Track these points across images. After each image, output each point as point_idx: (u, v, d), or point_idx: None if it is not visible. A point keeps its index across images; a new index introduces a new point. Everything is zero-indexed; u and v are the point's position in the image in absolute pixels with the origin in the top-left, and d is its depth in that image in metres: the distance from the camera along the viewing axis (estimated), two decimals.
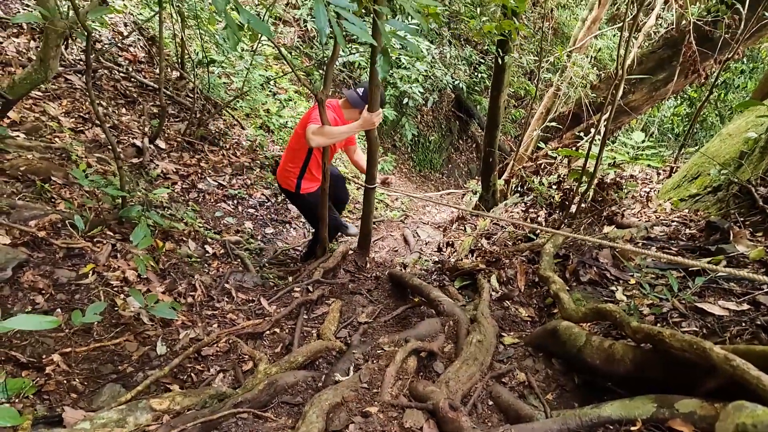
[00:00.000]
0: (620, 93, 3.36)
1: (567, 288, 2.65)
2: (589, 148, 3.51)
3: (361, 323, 2.82)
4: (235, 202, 4.99)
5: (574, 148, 5.96)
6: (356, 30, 1.86)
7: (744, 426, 1.32)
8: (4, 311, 2.21)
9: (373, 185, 3.31)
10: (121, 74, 5.06)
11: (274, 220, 5.24)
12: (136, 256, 2.77)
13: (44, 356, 2.11)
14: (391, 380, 1.96)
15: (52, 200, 3.05)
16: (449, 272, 3.54)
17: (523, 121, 10.89)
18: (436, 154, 11.46)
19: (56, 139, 3.68)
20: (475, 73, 11.16)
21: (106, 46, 5.18)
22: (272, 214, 5.29)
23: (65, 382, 2.06)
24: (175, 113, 5.34)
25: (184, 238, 3.53)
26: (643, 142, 4.63)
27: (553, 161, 5.26)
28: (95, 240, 2.83)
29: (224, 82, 6.16)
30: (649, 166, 5.08)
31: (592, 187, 3.62)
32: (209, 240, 3.76)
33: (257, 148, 5.88)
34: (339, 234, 4.05)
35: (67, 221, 2.79)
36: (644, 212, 3.75)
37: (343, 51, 8.00)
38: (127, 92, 4.96)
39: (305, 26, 8.48)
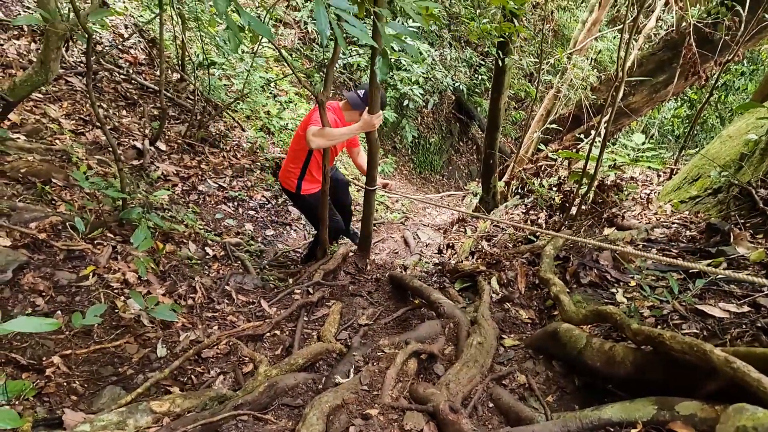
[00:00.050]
0: (620, 95, 3.36)
1: (567, 290, 2.65)
2: (590, 150, 3.51)
3: (361, 325, 2.82)
4: (236, 204, 4.99)
5: (574, 150, 5.96)
6: (357, 32, 1.87)
7: (745, 429, 1.32)
8: (5, 313, 2.21)
9: (374, 187, 3.32)
10: (122, 76, 5.07)
11: (275, 222, 5.24)
12: (136, 258, 2.77)
13: (44, 358, 2.11)
14: (392, 382, 1.96)
15: (53, 202, 3.05)
16: (449, 274, 3.54)
17: (523, 123, 10.90)
18: (436, 156, 11.46)
19: (57, 141, 3.68)
20: (476, 75, 11.17)
21: (107, 48, 5.19)
22: (272, 216, 5.29)
23: (65, 384, 2.06)
24: (175, 115, 5.35)
25: (185, 240, 3.53)
26: (644, 144, 4.63)
27: (553, 163, 5.26)
28: (96, 242, 2.83)
29: (225, 84, 6.16)
30: (649, 167, 5.09)
31: (593, 189, 3.62)
32: (209, 242, 3.76)
33: (258, 150, 5.88)
34: (340, 236, 4.05)
35: (67, 223, 2.80)
36: (644, 214, 3.75)
37: (343, 53, 8.00)
38: (128, 94, 4.97)
39: (306, 28, 8.49)
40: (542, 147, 6.72)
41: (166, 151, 4.73)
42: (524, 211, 4.65)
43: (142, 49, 5.69)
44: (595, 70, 7.27)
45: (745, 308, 2.10)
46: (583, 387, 2.11)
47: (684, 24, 5.85)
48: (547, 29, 10.20)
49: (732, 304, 2.16)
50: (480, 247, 4.06)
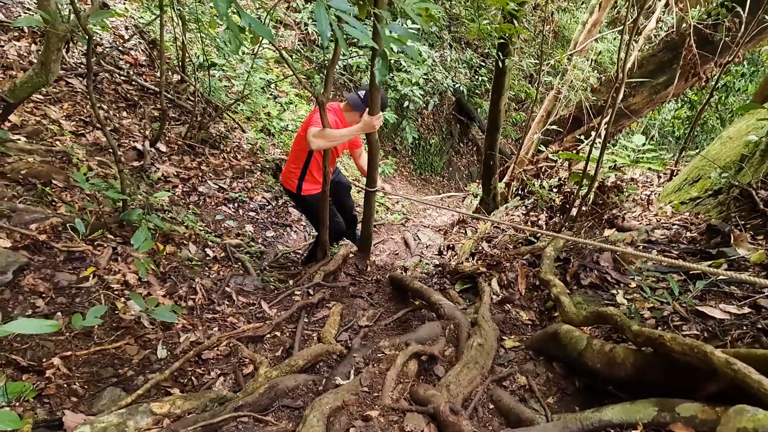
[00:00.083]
0: (621, 96, 3.36)
1: (568, 291, 2.65)
2: (590, 152, 3.51)
3: (361, 326, 2.81)
4: (236, 205, 4.99)
5: (574, 152, 5.97)
6: (357, 33, 1.87)
7: (745, 430, 1.32)
8: (5, 315, 2.21)
9: (374, 188, 3.32)
10: (122, 77, 5.07)
11: (275, 223, 5.24)
12: (136, 260, 2.77)
13: (44, 360, 2.11)
14: (392, 384, 1.96)
15: (53, 203, 3.05)
16: (450, 275, 3.54)
17: (523, 124, 10.90)
18: (436, 157, 11.46)
19: (57, 142, 3.69)
20: (476, 77, 11.17)
21: (107, 49, 5.19)
22: (273, 218, 5.29)
23: (65, 385, 2.05)
24: (176, 116, 5.35)
25: (185, 242, 3.53)
26: (644, 145, 4.63)
27: (553, 164, 5.26)
28: (96, 243, 2.83)
29: (225, 86, 6.17)
30: (649, 169, 5.09)
31: (593, 190, 3.62)
32: (210, 243, 3.76)
33: (258, 152, 5.89)
34: (341, 238, 4.05)
35: (67, 224, 2.80)
36: (645, 215, 3.75)
37: (343, 54, 8.01)
38: (128, 95, 4.97)
39: (306, 30, 8.49)
40: (542, 148, 6.71)
41: (166, 152, 4.73)
42: (524, 212, 4.65)
43: (142, 50, 5.70)
44: (596, 71, 7.27)
45: (746, 310, 2.10)
46: (583, 388, 2.10)
47: (684, 25, 5.84)
48: (548, 30, 10.21)
49: (732, 305, 2.16)
50: (480, 248, 4.06)
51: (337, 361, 2.35)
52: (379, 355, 2.23)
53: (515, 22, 3.95)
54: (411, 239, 5.94)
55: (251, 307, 3.02)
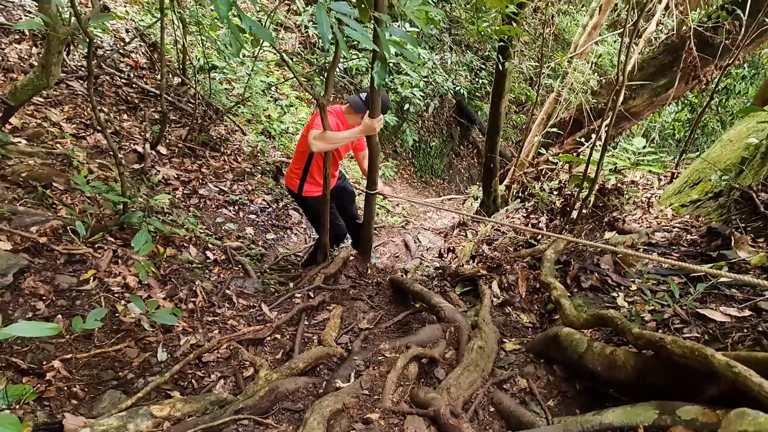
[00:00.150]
0: (621, 99, 3.36)
1: (568, 294, 2.65)
2: (590, 154, 3.51)
3: (362, 329, 2.81)
4: (237, 207, 5.00)
5: (575, 154, 5.96)
6: (358, 36, 1.88)
7: None
8: (5, 317, 2.21)
9: (374, 191, 3.32)
10: (123, 80, 5.08)
11: (275, 226, 5.24)
12: (137, 262, 2.77)
13: (45, 362, 2.11)
14: (392, 387, 1.95)
15: (54, 206, 3.05)
16: (450, 278, 3.54)
17: (524, 126, 10.91)
18: (437, 160, 11.47)
19: (58, 145, 3.69)
20: (476, 79, 11.19)
21: (108, 52, 5.20)
22: (273, 220, 5.30)
23: (66, 388, 2.05)
24: (176, 119, 5.36)
25: (185, 244, 3.53)
26: (644, 147, 4.63)
27: (554, 167, 5.26)
28: (96, 246, 2.83)
29: (225, 88, 6.18)
30: (650, 171, 5.08)
31: (593, 192, 3.62)
32: (210, 246, 3.76)
33: (258, 154, 5.90)
34: (342, 241, 4.06)
35: (68, 227, 2.80)
36: (645, 218, 3.75)
37: (344, 57, 8.02)
38: (129, 98, 4.98)
39: (306, 32, 8.51)
40: (543, 151, 6.72)
41: (166, 155, 4.74)
42: (525, 215, 4.65)
43: (143, 53, 5.71)
44: (596, 74, 7.27)
45: (747, 312, 2.09)
46: (584, 391, 2.10)
47: (684, 28, 5.85)
48: (548, 33, 10.22)
49: (733, 308, 2.15)
50: (481, 250, 4.06)
51: (338, 364, 2.34)
52: (379, 357, 2.22)
53: (514, 24, 3.96)
54: (411, 242, 5.94)
55: (251, 310, 3.01)
